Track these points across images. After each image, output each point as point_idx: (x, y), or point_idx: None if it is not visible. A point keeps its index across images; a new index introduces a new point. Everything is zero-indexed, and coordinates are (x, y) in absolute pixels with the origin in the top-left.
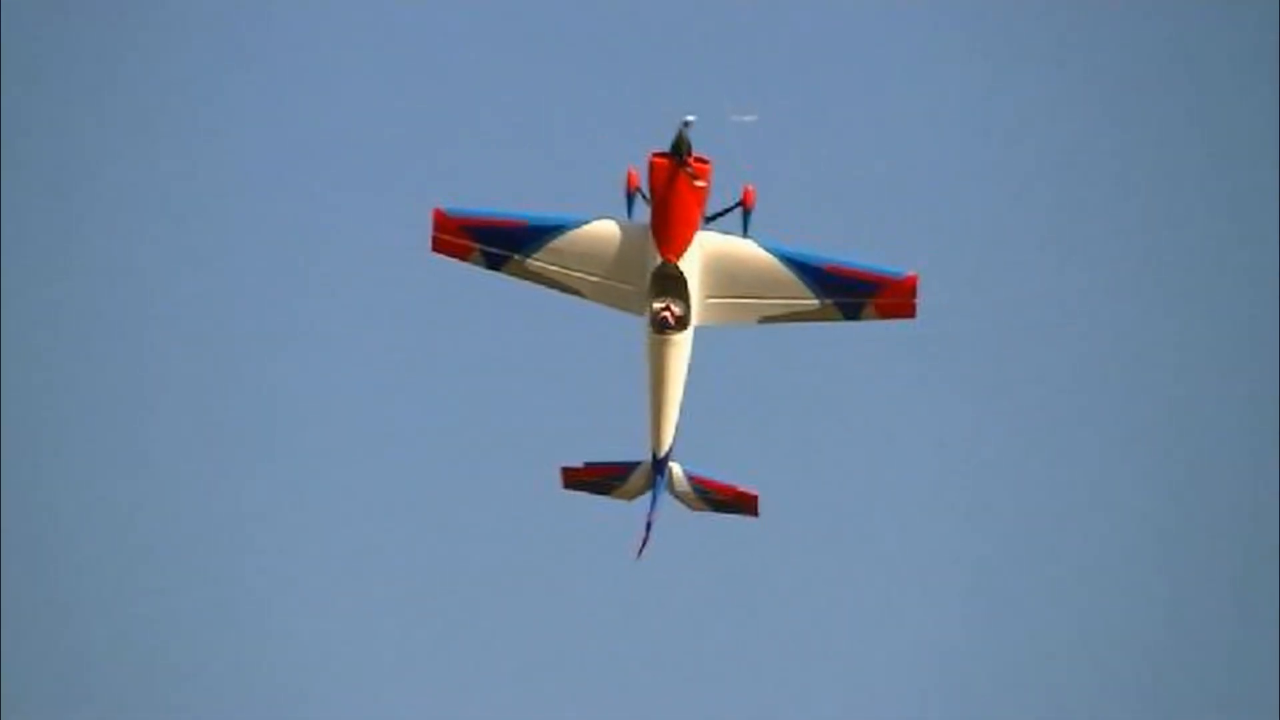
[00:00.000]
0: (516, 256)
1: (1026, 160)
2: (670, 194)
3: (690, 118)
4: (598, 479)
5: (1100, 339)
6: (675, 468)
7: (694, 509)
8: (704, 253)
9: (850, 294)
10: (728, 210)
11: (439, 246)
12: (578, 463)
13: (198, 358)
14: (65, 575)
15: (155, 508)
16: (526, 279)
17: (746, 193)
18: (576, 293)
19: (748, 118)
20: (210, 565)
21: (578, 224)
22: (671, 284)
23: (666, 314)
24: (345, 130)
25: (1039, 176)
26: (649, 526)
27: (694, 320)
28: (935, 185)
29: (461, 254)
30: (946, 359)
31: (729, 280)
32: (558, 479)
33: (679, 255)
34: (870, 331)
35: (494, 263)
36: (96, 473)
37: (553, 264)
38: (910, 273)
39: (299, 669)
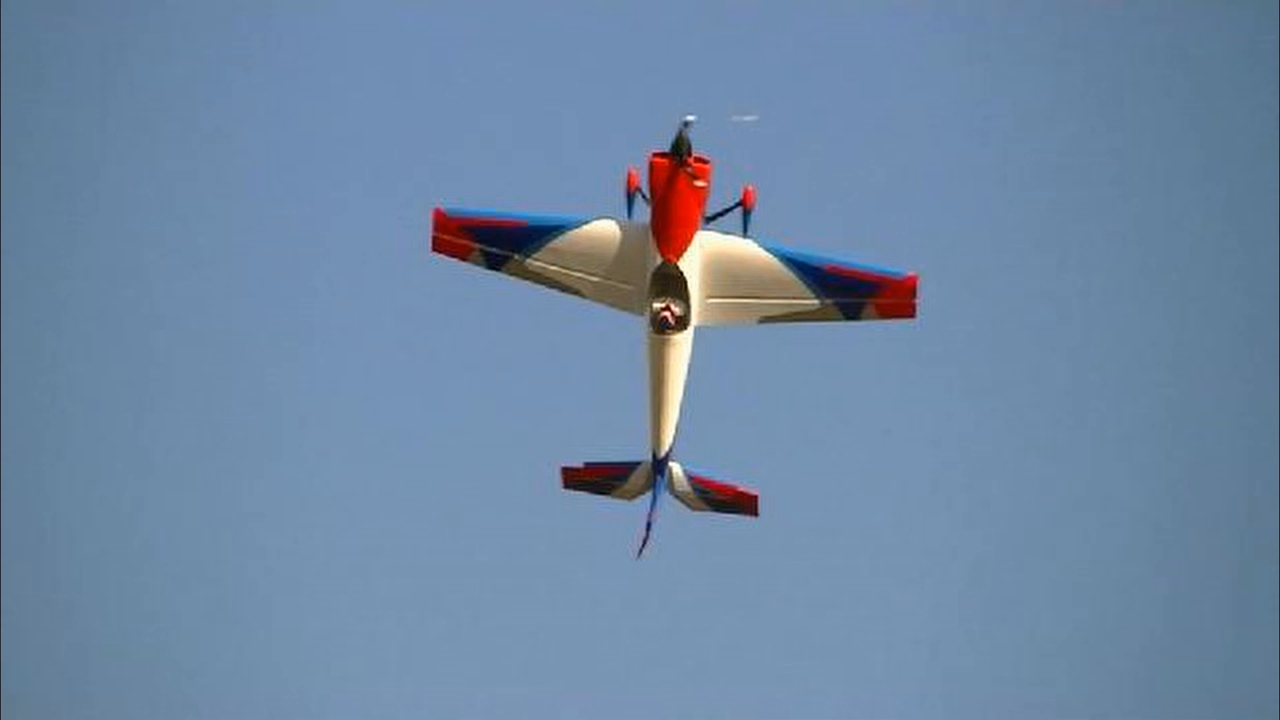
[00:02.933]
0: (516, 256)
1: (1026, 161)
2: (670, 194)
3: (690, 118)
4: (598, 479)
5: (1100, 339)
6: (675, 468)
7: (694, 509)
8: (704, 253)
9: (850, 294)
10: (728, 210)
11: (439, 246)
12: (578, 463)
13: (197, 357)
14: (65, 575)
15: (154, 507)
16: (526, 279)
17: (746, 193)
18: (576, 293)
19: (748, 118)
20: (210, 565)
21: (578, 224)
22: (671, 284)
23: (666, 314)
24: (346, 131)
25: (1038, 177)
26: (649, 526)
27: (694, 320)
28: (935, 186)
29: (461, 254)
30: (946, 359)
31: (729, 280)
32: (558, 479)
33: (679, 255)
34: (870, 331)
35: (494, 263)
36: (97, 473)
37: (553, 264)
38: (910, 273)
39: (299, 668)
